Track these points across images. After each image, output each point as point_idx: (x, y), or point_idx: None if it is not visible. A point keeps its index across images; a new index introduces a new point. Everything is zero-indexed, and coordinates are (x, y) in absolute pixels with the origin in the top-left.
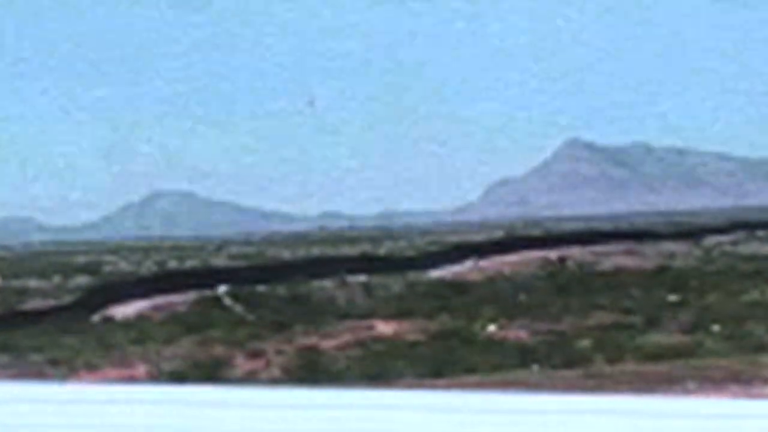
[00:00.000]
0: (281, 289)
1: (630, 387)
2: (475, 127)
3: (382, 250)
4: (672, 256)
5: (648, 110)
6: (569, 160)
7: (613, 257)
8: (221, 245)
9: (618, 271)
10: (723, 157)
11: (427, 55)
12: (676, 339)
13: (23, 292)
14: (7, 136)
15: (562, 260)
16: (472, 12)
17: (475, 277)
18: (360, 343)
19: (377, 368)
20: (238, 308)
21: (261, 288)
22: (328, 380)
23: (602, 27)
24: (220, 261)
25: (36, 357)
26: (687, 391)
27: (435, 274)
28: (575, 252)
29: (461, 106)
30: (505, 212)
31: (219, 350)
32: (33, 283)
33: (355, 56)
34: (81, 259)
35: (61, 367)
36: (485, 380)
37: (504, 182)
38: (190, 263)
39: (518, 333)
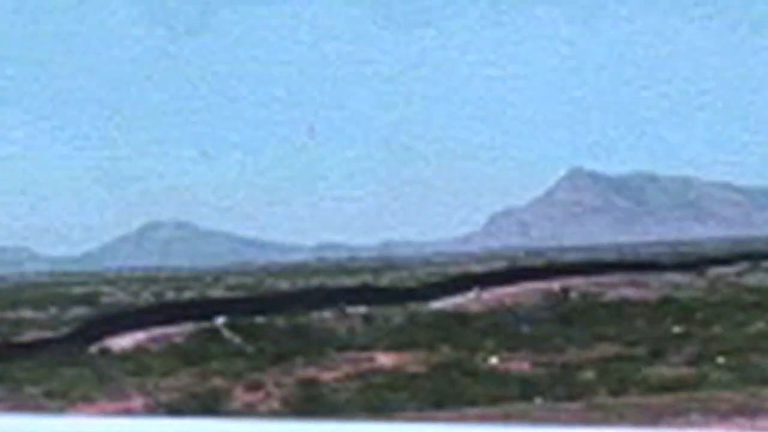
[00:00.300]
0: (280, 321)
1: (634, 419)
2: (476, 156)
3: (382, 281)
4: (676, 287)
5: (652, 139)
6: (572, 189)
7: (616, 288)
8: (219, 276)
9: (622, 302)
10: (729, 187)
11: (429, 86)
12: (681, 371)
13: (19, 324)
14: (2, 165)
15: (564, 291)
16: (474, 46)
17: (476, 308)
18: (360, 375)
19: (378, 400)
20: (237, 340)
21: (260, 319)
22: (328, 412)
23: (606, 58)
24: (218, 292)
25: (32, 389)
26: (692, 424)
27: (436, 305)
28: (578, 283)
29: (462, 136)
30: (508, 242)
31: (217, 382)
32: (29, 314)
33: (356, 87)
34: (78, 290)
35: (58, 399)
36: (487, 413)
37: (506, 212)
38: (187, 294)
39: (520, 365)
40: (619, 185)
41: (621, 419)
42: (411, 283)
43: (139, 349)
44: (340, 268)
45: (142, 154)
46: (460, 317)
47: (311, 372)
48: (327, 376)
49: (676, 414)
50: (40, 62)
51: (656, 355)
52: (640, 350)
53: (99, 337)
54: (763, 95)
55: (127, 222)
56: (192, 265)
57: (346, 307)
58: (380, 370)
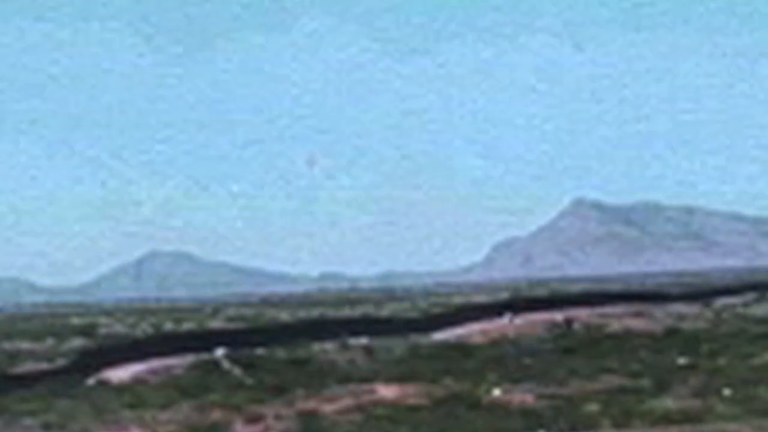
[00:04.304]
0: (281, 352)
1: None
2: (479, 186)
3: (384, 312)
4: (682, 318)
5: (657, 169)
6: (576, 219)
7: (621, 319)
8: (219, 307)
9: (626, 334)
10: (734, 217)
11: (430, 117)
12: (686, 403)
13: (16, 355)
14: None
15: (568, 322)
16: (477, 76)
17: (479, 339)
18: (361, 408)
19: None
20: (237, 371)
21: (260, 351)
22: None
23: (610, 88)
24: (217, 323)
25: (29, 421)
26: None
27: (438, 336)
28: (582, 314)
29: (465, 166)
30: (510, 273)
31: (217, 415)
32: (26, 345)
33: (358, 117)
34: (75, 321)
35: (55, 431)
36: None
37: (509, 242)
38: (187, 325)
39: (523, 397)
40: (624, 215)
41: None
42: (413, 314)
43: (138, 381)
44: (342, 299)
45: (141, 184)
46: (463, 349)
47: (312, 404)
48: (328, 408)
49: None
50: (36, 93)
51: (661, 386)
52: (645, 382)
53: (97, 369)
54: None
55: (126, 252)
56: (191, 296)
57: (347, 338)
58: (381, 403)
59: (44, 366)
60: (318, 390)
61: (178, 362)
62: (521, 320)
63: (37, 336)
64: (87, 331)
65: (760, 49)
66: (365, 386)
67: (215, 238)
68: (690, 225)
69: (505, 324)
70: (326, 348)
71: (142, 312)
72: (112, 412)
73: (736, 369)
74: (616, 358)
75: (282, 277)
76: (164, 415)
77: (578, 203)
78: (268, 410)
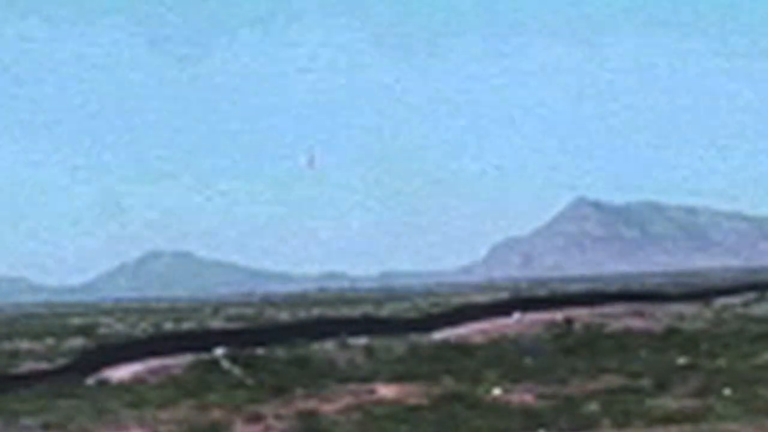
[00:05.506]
0: (281, 352)
1: None
2: (479, 186)
3: (384, 312)
4: (682, 317)
5: (657, 168)
6: (576, 219)
7: (621, 319)
8: (219, 306)
9: (626, 333)
10: (735, 217)
11: (430, 116)
12: (686, 403)
13: (15, 355)
14: None
15: (568, 322)
16: (476, 74)
17: (479, 339)
18: (361, 407)
19: None
20: (237, 371)
21: (260, 350)
22: None
23: (609, 87)
24: (217, 322)
25: (29, 421)
26: None
27: (438, 336)
28: (582, 313)
29: (464, 166)
30: (510, 273)
31: (217, 414)
32: (25, 345)
33: (357, 117)
34: (75, 321)
35: (55, 431)
36: None
37: (508, 242)
38: (186, 325)
39: (523, 396)
40: (624, 214)
41: None
42: (412, 314)
43: (137, 381)
44: (342, 299)
45: (141, 184)
46: (462, 348)
47: (312, 404)
48: (327, 407)
49: None
50: (36, 92)
51: (661, 386)
52: (645, 382)
53: (97, 369)
54: None
55: (126, 252)
56: (191, 296)
57: (347, 337)
58: (381, 402)
59: (44, 366)
60: (318, 390)
61: (177, 362)
62: (521, 320)
63: (37, 336)
64: (87, 330)
65: (762, 49)
66: (365, 386)
67: (215, 238)
68: (690, 225)
69: (505, 323)
70: (326, 348)
71: (142, 312)
72: (112, 412)
73: (736, 369)
74: (616, 358)
75: (282, 276)
76: (164, 415)
77: (578, 203)
78: (268, 410)
